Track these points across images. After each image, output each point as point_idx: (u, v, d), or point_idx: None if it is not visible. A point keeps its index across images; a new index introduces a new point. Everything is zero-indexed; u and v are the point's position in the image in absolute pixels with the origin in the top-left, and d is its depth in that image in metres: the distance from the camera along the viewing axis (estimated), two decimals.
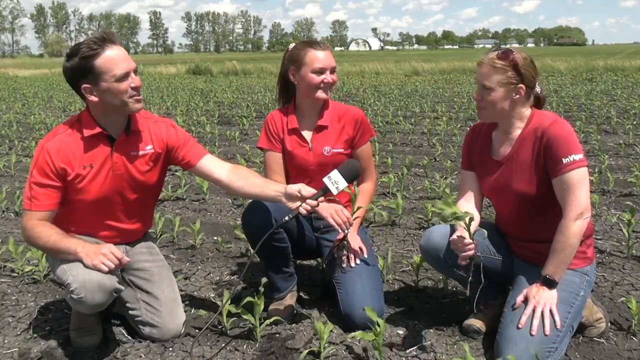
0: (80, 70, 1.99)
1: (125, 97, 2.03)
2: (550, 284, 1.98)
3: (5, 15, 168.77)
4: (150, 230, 2.52)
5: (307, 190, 2.07)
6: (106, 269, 1.93)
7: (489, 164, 2.19)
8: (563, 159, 1.93)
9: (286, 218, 2.13)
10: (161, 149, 2.23)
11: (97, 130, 2.10)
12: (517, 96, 2.03)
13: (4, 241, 3.41)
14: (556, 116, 2.04)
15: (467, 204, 2.23)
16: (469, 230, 1.92)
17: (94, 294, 1.92)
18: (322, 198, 2.10)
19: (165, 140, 2.23)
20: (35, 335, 2.33)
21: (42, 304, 2.63)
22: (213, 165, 2.27)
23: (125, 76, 2.01)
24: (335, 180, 2.11)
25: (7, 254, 3.18)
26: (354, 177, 2.19)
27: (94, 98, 2.03)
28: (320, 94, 2.46)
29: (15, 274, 2.98)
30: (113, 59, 1.99)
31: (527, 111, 2.09)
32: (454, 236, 2.01)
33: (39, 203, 2.05)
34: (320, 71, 2.43)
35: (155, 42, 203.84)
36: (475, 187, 2.25)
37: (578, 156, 1.93)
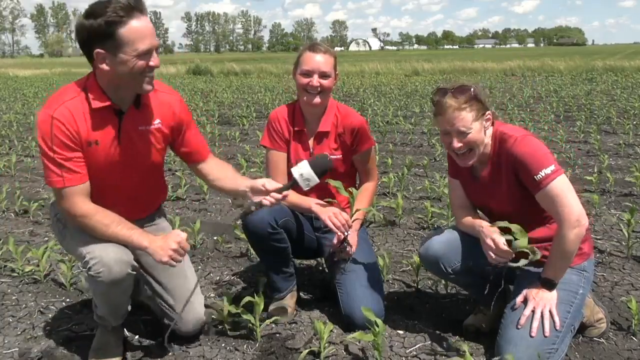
0: (101, 34, 1.78)
1: (139, 75, 1.86)
2: (550, 285, 1.98)
3: (6, 15, 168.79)
4: None
5: (271, 184, 2.04)
6: (175, 264, 1.91)
7: (469, 181, 2.20)
8: (535, 177, 1.91)
9: (253, 208, 2.06)
10: (170, 122, 2.09)
11: (107, 103, 1.91)
12: (488, 123, 2.04)
13: (4, 241, 3.41)
14: (517, 133, 2.00)
15: (464, 211, 2.22)
16: (515, 247, 1.93)
17: (111, 267, 1.85)
18: (286, 192, 2.08)
19: (175, 113, 2.10)
20: (35, 335, 2.33)
21: (42, 304, 2.63)
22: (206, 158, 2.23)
23: (147, 53, 1.83)
24: (307, 178, 2.03)
25: (7, 254, 3.18)
26: (323, 171, 2.08)
27: (105, 67, 1.84)
28: (307, 97, 2.41)
29: (15, 274, 2.98)
30: (140, 31, 1.80)
31: (490, 130, 2.08)
32: (500, 242, 1.96)
33: (74, 177, 1.87)
34: (307, 74, 2.39)
35: None
36: (467, 199, 2.25)
37: (549, 169, 1.91)
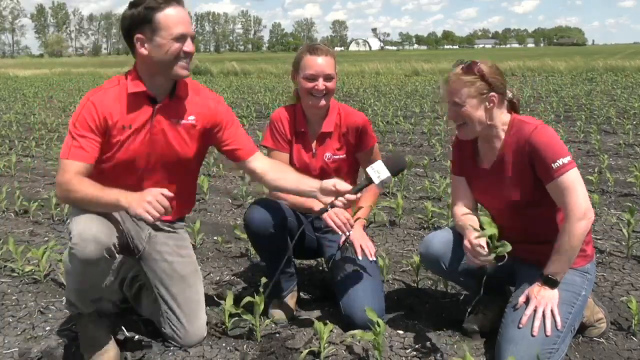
0: (141, 19, 1.95)
1: (174, 59, 1.98)
2: (552, 283, 1.98)
3: (5, 15, 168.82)
4: None
5: (341, 185, 2.04)
6: (151, 218, 1.82)
7: (476, 171, 2.20)
8: (552, 165, 1.93)
9: (329, 208, 2.06)
10: (204, 122, 2.14)
11: (142, 88, 2.03)
12: (491, 105, 2.04)
13: (4, 241, 3.41)
14: (537, 122, 2.03)
15: (465, 210, 2.23)
16: (493, 246, 1.93)
17: (87, 244, 1.83)
18: (360, 193, 2.07)
19: (210, 114, 2.15)
20: (35, 335, 2.33)
21: (42, 304, 2.63)
22: (254, 156, 2.23)
23: (181, 38, 1.97)
24: (382, 177, 2.03)
25: (7, 254, 3.18)
26: (400, 170, 2.11)
27: (144, 51, 1.98)
28: (313, 101, 2.41)
29: (15, 274, 2.98)
30: (174, 17, 1.96)
31: (505, 117, 2.09)
32: (475, 242, 1.97)
33: (79, 153, 1.95)
34: (312, 78, 2.38)
35: None
36: (468, 192, 2.25)
37: (566, 159, 1.93)
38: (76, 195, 1.92)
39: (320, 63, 2.38)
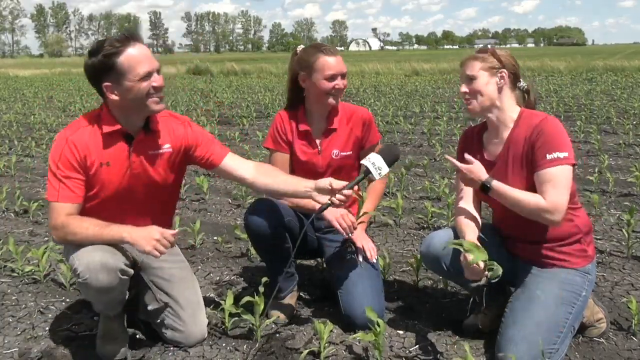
0: (102, 68, 1.94)
1: (145, 97, 1.97)
2: (485, 189, 2.01)
3: (5, 15, 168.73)
4: None
5: (337, 183, 2.06)
6: (159, 255, 1.91)
7: (481, 163, 2.19)
8: (547, 155, 1.94)
9: (327, 205, 2.08)
10: (179, 148, 2.17)
11: (117, 127, 2.03)
12: (502, 81, 2.08)
13: (4, 241, 3.41)
14: (547, 114, 2.05)
15: (467, 206, 2.23)
16: (486, 265, 1.94)
17: (98, 273, 1.87)
18: (356, 187, 2.09)
19: (183, 138, 2.17)
20: (35, 335, 2.33)
21: (42, 304, 2.63)
22: (236, 163, 2.23)
23: (147, 75, 1.95)
24: (378, 167, 2.05)
25: (7, 254, 3.18)
26: (395, 159, 2.14)
27: (114, 97, 1.97)
28: (331, 100, 2.43)
29: (15, 274, 2.98)
30: (136, 57, 1.94)
31: (514, 107, 2.10)
32: (471, 267, 1.96)
33: (68, 195, 1.97)
34: (332, 78, 2.39)
35: (155, 42, 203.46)
36: (473, 189, 2.25)
37: (563, 154, 1.93)
38: (76, 237, 1.95)
39: (338, 62, 2.40)
